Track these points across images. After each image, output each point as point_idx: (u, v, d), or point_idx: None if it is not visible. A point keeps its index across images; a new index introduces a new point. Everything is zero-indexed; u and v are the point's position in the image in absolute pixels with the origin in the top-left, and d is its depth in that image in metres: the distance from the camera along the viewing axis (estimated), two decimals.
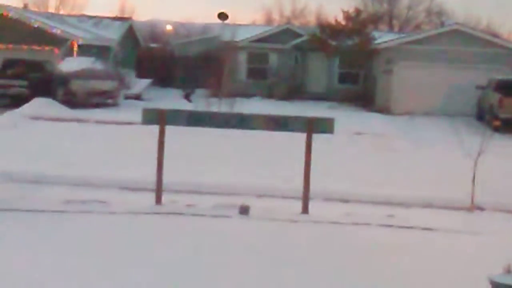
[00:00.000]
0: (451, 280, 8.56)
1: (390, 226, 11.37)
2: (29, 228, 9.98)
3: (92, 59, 33.31)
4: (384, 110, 34.58)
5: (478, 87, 32.38)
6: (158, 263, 8.47)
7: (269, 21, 68.11)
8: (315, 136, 12.04)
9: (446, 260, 9.44)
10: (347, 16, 41.60)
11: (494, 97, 29.93)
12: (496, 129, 27.66)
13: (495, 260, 8.60)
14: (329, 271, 8.60)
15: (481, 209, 13.74)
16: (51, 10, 56.86)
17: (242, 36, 42.32)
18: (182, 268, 8.31)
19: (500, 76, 31.53)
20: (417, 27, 63.98)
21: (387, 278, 8.46)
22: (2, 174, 14.19)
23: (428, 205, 13.99)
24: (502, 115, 28.97)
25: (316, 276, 8.37)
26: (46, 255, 8.57)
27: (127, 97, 34.00)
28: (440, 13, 65.03)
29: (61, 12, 55.51)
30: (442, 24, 51.43)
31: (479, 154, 14.10)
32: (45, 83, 30.17)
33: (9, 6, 37.66)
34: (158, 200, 11.96)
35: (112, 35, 41.09)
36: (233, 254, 9.12)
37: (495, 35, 43.82)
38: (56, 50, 34.33)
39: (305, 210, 11.93)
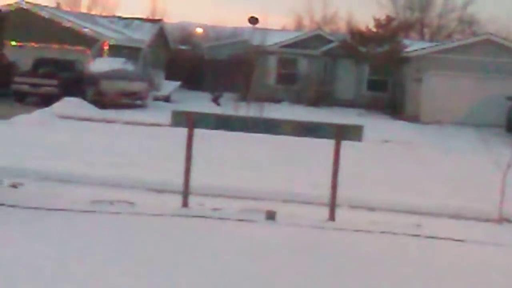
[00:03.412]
0: None
1: (418, 235, 11.27)
2: (58, 228, 10.00)
3: (122, 60, 33.55)
4: (413, 118, 34.48)
5: (509, 98, 32.17)
6: (184, 266, 8.45)
7: (299, 26, 68.13)
8: (343, 143, 11.98)
9: (474, 272, 9.33)
10: (378, 24, 41.50)
11: None
12: None
13: None
14: (356, 280, 8.53)
15: (509, 221, 13.60)
16: (83, 10, 57.24)
17: (272, 41, 42.37)
18: (206, 272, 8.29)
19: None
20: (449, 36, 63.65)
21: None
22: (31, 173, 14.29)
23: (456, 215, 13.86)
24: None
25: (344, 284, 8.31)
26: (76, 254, 8.58)
27: (156, 99, 34.17)
28: (471, 23, 64.65)
29: (93, 12, 55.83)
30: (474, 34, 51.16)
31: (508, 166, 13.96)
32: (75, 83, 30.43)
33: (41, 5, 37.99)
34: (185, 203, 11.95)
35: (143, 36, 41.29)
36: (259, 259, 9.08)
37: None
38: (87, 50, 34.57)
39: (331, 217, 11.87)
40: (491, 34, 38.88)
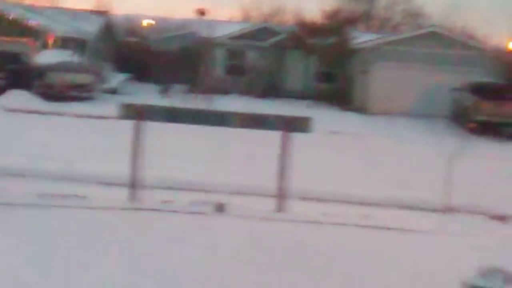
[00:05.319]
0: (425, 282, 8.59)
1: (366, 226, 11.40)
2: (4, 222, 9.89)
3: (69, 52, 33.18)
4: (361, 109, 34.72)
5: (454, 89, 32.55)
6: (131, 259, 8.43)
7: (247, 18, 67.97)
8: (291, 135, 12.04)
9: (419, 262, 9.47)
10: (326, 15, 41.68)
11: (470, 100, 30.14)
12: (472, 131, 27.89)
13: (469, 262, 8.67)
14: (303, 271, 8.59)
15: (455, 210, 13.82)
16: (28, 1, 56.37)
17: (220, 32, 42.26)
18: (152, 265, 8.28)
19: (476, 79, 31.73)
20: (395, 28, 64.11)
21: (360, 279, 8.48)
22: None
23: (403, 206, 14.05)
24: (478, 118, 29.21)
25: (289, 276, 8.37)
26: (19, 248, 8.51)
27: (104, 91, 33.82)
28: (417, 15, 65.25)
29: (38, 4, 55.04)
30: (419, 26, 51.65)
31: (453, 156, 14.18)
32: (21, 76, 29.99)
33: None
34: (135, 196, 11.90)
35: (89, 28, 40.80)
36: (206, 251, 9.10)
37: (471, 38, 44.04)
38: (33, 43, 34.07)
39: (281, 208, 11.93)
40: (437, 26, 39.28)
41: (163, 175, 14.40)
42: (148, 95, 34.01)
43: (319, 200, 13.94)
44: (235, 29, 43.96)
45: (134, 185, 11.96)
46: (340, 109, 36.29)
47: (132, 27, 56.57)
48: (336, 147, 22.26)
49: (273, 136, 12.62)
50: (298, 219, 11.44)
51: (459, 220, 13.14)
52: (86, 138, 20.16)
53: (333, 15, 41.93)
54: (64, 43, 35.21)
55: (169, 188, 13.67)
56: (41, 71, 30.31)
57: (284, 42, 41.74)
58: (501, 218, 13.80)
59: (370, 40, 37.84)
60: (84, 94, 31.28)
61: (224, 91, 38.01)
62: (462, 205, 14.07)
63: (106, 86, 35.20)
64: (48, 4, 55.66)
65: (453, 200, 13.76)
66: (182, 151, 18.60)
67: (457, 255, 10.03)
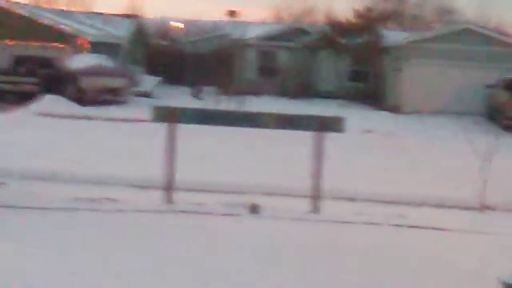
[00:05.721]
0: (462, 280, 8.51)
1: (401, 226, 11.32)
2: (40, 225, 9.97)
3: (102, 56, 33.41)
4: (394, 108, 34.56)
5: (488, 86, 32.30)
6: (167, 261, 8.45)
7: (278, 19, 68.03)
8: (325, 135, 12.00)
9: (456, 261, 9.39)
10: (357, 14, 41.56)
11: (505, 96, 29.88)
12: (507, 128, 27.62)
13: (506, 260, 8.58)
14: (339, 272, 8.56)
15: (492, 209, 13.68)
16: (61, 7, 56.91)
17: (251, 34, 42.37)
18: (190, 267, 8.29)
19: (510, 76, 31.42)
20: (427, 25, 63.77)
21: (397, 277, 8.42)
22: (14, 172, 14.19)
23: (439, 204, 13.94)
24: None
25: (325, 276, 8.34)
26: (56, 252, 8.56)
27: (137, 95, 34.04)
28: (450, 12, 64.89)
29: (71, 9, 55.54)
30: (452, 23, 51.33)
31: (489, 154, 14.04)
32: (55, 80, 30.26)
33: (20, 3, 37.76)
34: (168, 199, 11.93)
35: (122, 32, 41.11)
36: (242, 252, 9.09)
37: (505, 34, 43.65)
38: (66, 47, 34.35)
39: (315, 209, 11.90)
40: (470, 23, 39.01)
41: (197, 177, 14.42)
42: (180, 97, 34.20)
43: (354, 200, 13.88)
44: (266, 30, 44.04)
45: (168, 187, 11.99)
46: (373, 108, 36.19)
47: (164, 30, 56.92)
48: (369, 146, 22.16)
49: (306, 137, 12.59)
50: (333, 219, 11.39)
51: (496, 219, 13.01)
52: (119, 142, 20.24)
53: (364, 14, 41.77)
54: (96, 47, 35.46)
55: (203, 190, 13.68)
56: (74, 76, 30.56)
57: (315, 42, 41.70)
58: None
59: (403, 38, 37.65)
60: (117, 98, 31.51)
61: (256, 92, 38.07)
62: (498, 203, 13.93)
63: (139, 89, 35.42)
64: (80, 9, 56.21)
65: (489, 199, 13.63)
66: (216, 153, 18.61)
67: (493, 253, 9.93)
